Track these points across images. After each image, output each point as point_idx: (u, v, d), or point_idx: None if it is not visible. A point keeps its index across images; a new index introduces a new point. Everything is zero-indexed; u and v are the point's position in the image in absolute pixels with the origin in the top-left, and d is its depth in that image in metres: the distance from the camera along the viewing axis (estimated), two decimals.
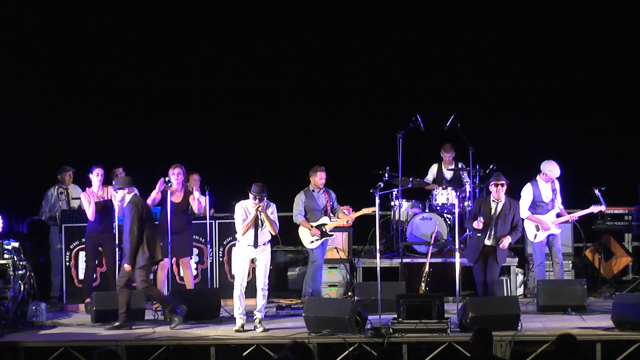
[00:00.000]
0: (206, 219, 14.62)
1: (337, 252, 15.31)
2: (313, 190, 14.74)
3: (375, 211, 13.98)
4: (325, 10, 17.77)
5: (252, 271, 13.53)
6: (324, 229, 14.66)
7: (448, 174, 16.12)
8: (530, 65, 17.57)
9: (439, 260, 15.09)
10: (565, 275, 14.94)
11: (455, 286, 13.56)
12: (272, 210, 13.12)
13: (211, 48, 17.90)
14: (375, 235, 14.09)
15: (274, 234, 13.15)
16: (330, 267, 15.31)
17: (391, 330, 12.29)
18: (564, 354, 9.84)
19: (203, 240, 14.88)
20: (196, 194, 14.36)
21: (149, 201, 14.14)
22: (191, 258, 14.71)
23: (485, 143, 15.94)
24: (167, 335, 12.63)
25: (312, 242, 14.67)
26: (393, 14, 17.78)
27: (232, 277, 14.35)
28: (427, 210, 15.62)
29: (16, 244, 13.41)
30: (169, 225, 13.98)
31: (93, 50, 17.70)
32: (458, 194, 15.21)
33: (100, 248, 14.42)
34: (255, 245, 13.02)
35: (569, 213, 14.67)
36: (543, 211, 14.52)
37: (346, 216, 14.83)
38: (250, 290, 13.44)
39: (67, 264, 14.74)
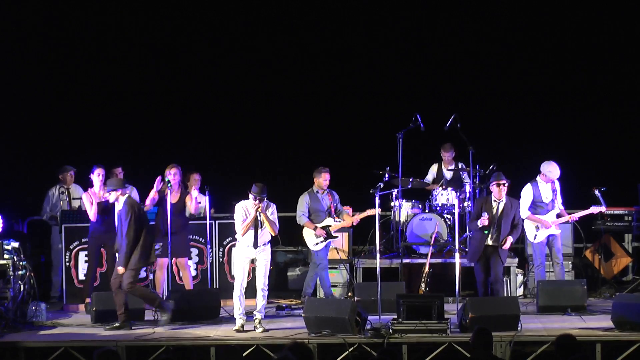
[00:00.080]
0: (206, 219, 14.63)
1: (337, 252, 15.30)
2: (317, 192, 14.71)
3: (381, 212, 14.05)
4: (325, 10, 17.77)
5: (252, 271, 13.53)
6: (328, 231, 14.64)
7: (448, 174, 16.12)
8: (530, 65, 17.57)
9: (439, 260, 15.09)
10: (566, 276, 14.93)
11: (455, 286, 13.56)
12: (272, 211, 13.11)
13: (211, 48, 17.89)
14: (375, 235, 14.09)
15: (273, 234, 13.14)
16: (330, 268, 15.28)
17: (391, 330, 12.29)
18: (564, 354, 9.84)
19: (203, 240, 14.89)
20: (194, 193, 14.35)
21: (148, 201, 14.15)
22: (190, 258, 14.70)
23: (485, 143, 15.94)
24: (167, 336, 12.63)
25: (317, 243, 14.63)
26: (393, 14, 17.77)
27: (232, 277, 14.35)
28: (427, 211, 15.62)
29: (16, 244, 13.41)
30: (169, 226, 13.99)
31: (93, 50, 17.70)
32: (458, 194, 15.20)
33: (102, 249, 14.42)
34: (255, 245, 13.02)
35: (569, 213, 14.67)
36: (543, 211, 14.52)
37: (351, 217, 14.78)
38: (250, 291, 13.45)
39: (67, 264, 14.74)
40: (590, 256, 15.93)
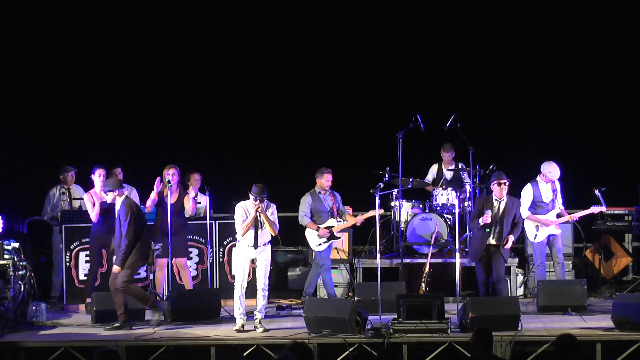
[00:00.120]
0: (206, 219, 14.63)
1: (337, 252, 15.29)
2: (319, 192, 14.68)
3: (382, 213, 14.06)
4: (325, 10, 17.76)
5: (253, 271, 13.53)
6: (331, 231, 14.63)
7: (448, 174, 16.11)
8: (530, 65, 17.57)
9: (439, 260, 15.09)
10: (566, 276, 14.93)
11: (455, 286, 13.55)
12: (272, 211, 13.11)
13: (211, 48, 17.89)
14: (375, 235, 14.10)
15: (273, 234, 13.14)
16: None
17: (391, 330, 12.29)
18: (564, 354, 9.84)
19: (203, 240, 14.89)
20: (192, 193, 14.34)
21: (149, 203, 14.17)
22: (190, 259, 14.69)
23: (485, 143, 15.94)
24: (167, 336, 12.64)
25: (320, 244, 14.62)
26: (393, 14, 17.77)
27: (233, 277, 14.36)
28: (427, 211, 15.62)
29: (16, 244, 13.41)
30: (169, 226, 13.99)
31: (93, 50, 17.69)
32: (458, 194, 15.22)
33: (103, 249, 14.42)
34: (256, 245, 13.02)
35: (569, 213, 14.67)
36: (543, 211, 14.52)
37: (354, 218, 14.76)
38: (251, 291, 13.45)
39: (68, 264, 14.74)
40: (591, 256, 15.93)
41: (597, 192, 14.76)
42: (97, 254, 14.44)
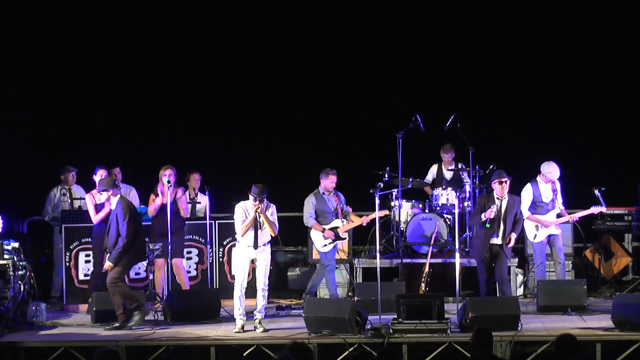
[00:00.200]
0: (206, 219, 14.63)
1: (337, 252, 15.27)
2: (323, 193, 14.65)
3: (387, 214, 14.20)
4: (325, 10, 17.76)
5: (252, 271, 13.52)
6: (336, 232, 14.61)
7: (448, 174, 16.11)
8: (530, 65, 17.57)
9: (439, 260, 15.08)
10: (566, 276, 14.93)
11: (455, 286, 13.55)
12: (272, 212, 13.10)
13: (211, 48, 17.89)
14: (375, 235, 14.10)
15: (273, 235, 13.13)
16: None
17: (391, 330, 12.28)
18: (564, 354, 9.84)
19: (203, 240, 14.89)
20: (179, 193, 14.28)
21: (152, 207, 14.20)
22: (184, 258, 14.64)
23: (485, 143, 15.94)
24: (167, 336, 12.63)
25: (325, 245, 14.60)
26: (393, 14, 17.77)
27: (232, 277, 14.36)
28: (427, 211, 15.61)
29: (16, 244, 13.41)
30: (169, 226, 14.00)
31: (93, 50, 17.70)
32: (458, 194, 15.22)
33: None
34: (256, 246, 13.01)
35: (569, 213, 14.67)
36: (543, 211, 14.53)
37: (360, 219, 14.73)
38: (250, 291, 13.44)
39: (67, 264, 14.74)
40: (590, 256, 15.93)
41: (597, 192, 14.77)
42: (99, 255, 14.41)
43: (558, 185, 14.64)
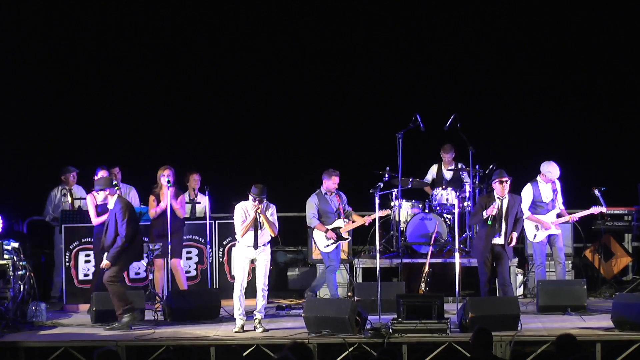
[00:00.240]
0: (205, 219, 14.63)
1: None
2: (325, 193, 14.63)
3: (389, 214, 14.22)
4: (325, 10, 17.77)
5: (252, 271, 13.52)
6: (339, 232, 14.61)
7: (448, 174, 16.11)
8: (530, 65, 17.57)
9: (439, 260, 15.08)
10: (566, 276, 14.93)
11: (455, 286, 13.55)
12: (272, 212, 13.10)
13: (211, 48, 17.89)
14: (375, 235, 14.10)
15: (273, 235, 13.13)
16: None
17: (391, 330, 12.28)
18: (564, 354, 9.84)
19: (203, 240, 14.89)
20: (170, 194, 14.26)
21: (153, 211, 14.20)
22: (181, 259, 14.63)
23: (485, 143, 15.94)
24: (167, 336, 12.63)
25: (328, 245, 14.59)
26: (393, 14, 17.77)
27: (232, 277, 14.36)
28: (427, 211, 15.61)
29: (16, 244, 13.40)
30: (168, 226, 14.00)
31: (93, 50, 17.70)
32: (458, 194, 15.21)
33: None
34: (255, 246, 13.01)
35: (569, 213, 14.68)
36: (543, 211, 14.53)
37: (361, 218, 14.71)
38: (250, 291, 13.44)
39: (67, 264, 14.74)
40: (590, 256, 15.93)
41: (597, 192, 14.77)
42: (100, 255, 14.40)
43: (558, 185, 14.65)
